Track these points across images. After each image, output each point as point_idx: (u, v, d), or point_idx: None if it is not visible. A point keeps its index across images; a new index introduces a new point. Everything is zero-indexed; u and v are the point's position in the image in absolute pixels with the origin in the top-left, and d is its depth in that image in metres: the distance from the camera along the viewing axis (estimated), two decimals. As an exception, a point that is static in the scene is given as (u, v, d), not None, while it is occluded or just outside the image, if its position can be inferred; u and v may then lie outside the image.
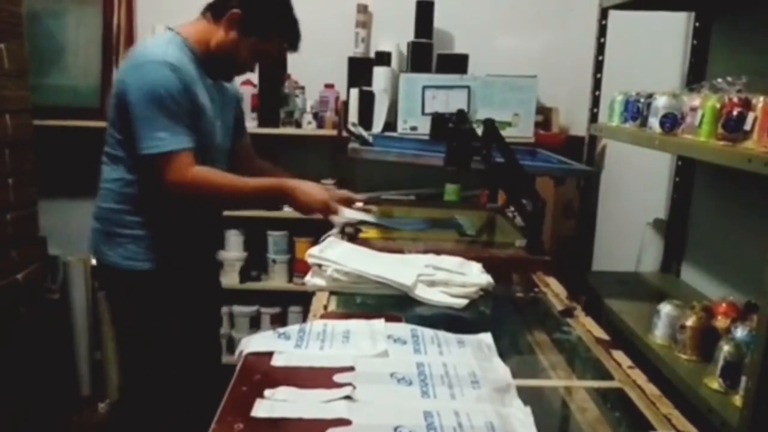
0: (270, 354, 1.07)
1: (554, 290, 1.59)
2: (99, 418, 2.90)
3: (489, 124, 1.80)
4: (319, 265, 1.49)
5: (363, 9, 3.00)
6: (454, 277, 1.49)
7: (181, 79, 1.58)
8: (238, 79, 2.04)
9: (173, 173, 1.56)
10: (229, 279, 3.05)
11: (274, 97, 2.87)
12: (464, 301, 1.42)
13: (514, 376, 1.06)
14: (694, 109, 1.41)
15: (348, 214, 1.76)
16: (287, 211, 3.00)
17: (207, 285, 1.89)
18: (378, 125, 2.82)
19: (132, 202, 1.67)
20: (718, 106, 1.31)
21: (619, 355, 1.23)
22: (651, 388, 1.09)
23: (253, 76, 2.90)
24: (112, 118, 1.65)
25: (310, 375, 1.00)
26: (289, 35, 1.72)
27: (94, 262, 1.84)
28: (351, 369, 1.01)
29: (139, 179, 1.65)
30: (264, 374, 1.00)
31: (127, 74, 1.60)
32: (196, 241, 1.79)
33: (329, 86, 2.95)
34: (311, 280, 1.50)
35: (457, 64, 2.90)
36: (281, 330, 1.15)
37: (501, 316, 1.48)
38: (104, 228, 1.71)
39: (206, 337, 1.91)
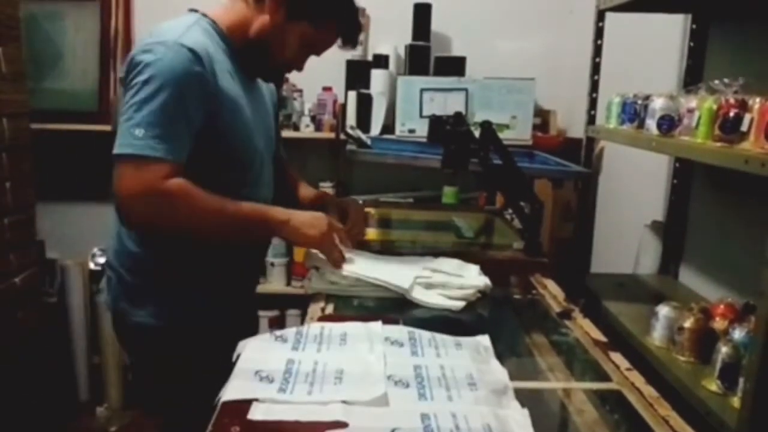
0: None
1: (552, 292, 1.59)
2: (97, 423, 2.89)
3: (486, 126, 1.80)
4: (317, 268, 1.49)
5: (361, 12, 3.00)
6: (451, 279, 1.49)
7: (200, 72, 1.24)
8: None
9: (134, 183, 1.20)
10: (228, 282, 3.05)
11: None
12: (462, 304, 1.42)
13: (512, 378, 1.06)
14: (691, 111, 1.41)
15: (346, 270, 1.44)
16: (285, 214, 3.01)
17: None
18: (376, 128, 2.83)
19: (158, 243, 1.36)
20: (714, 107, 1.31)
21: (617, 356, 1.22)
22: (649, 390, 1.09)
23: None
24: None
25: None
26: (347, 22, 1.45)
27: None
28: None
29: None
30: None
31: (129, 63, 1.27)
32: (233, 286, 1.48)
33: (327, 89, 2.95)
34: (309, 283, 1.50)
35: (454, 66, 2.90)
36: (278, 333, 1.15)
37: (499, 318, 1.48)
38: (123, 278, 1.39)
39: None
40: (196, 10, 1.38)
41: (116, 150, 1.21)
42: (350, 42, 1.48)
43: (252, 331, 1.36)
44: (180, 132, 1.24)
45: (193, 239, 1.33)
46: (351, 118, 2.82)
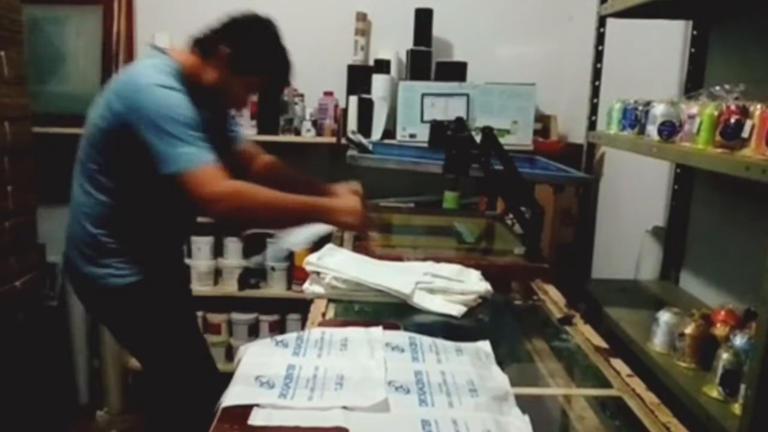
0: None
1: (553, 298, 1.59)
2: (97, 427, 2.89)
3: (487, 131, 1.80)
4: (318, 273, 1.49)
5: (362, 17, 3.01)
6: (452, 284, 1.49)
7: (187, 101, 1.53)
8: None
9: (208, 186, 1.45)
10: (228, 286, 3.05)
11: (274, 105, 2.88)
12: (463, 309, 1.42)
13: (513, 384, 1.06)
14: (692, 117, 1.41)
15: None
16: (286, 219, 3.01)
17: (184, 288, 2.00)
18: (377, 133, 2.83)
19: (112, 226, 1.65)
20: (715, 113, 1.31)
21: (618, 363, 1.22)
22: (650, 397, 1.09)
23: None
24: (97, 144, 1.62)
25: None
26: (281, 70, 1.66)
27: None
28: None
29: (121, 203, 1.63)
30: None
31: (127, 99, 1.52)
32: (172, 252, 1.86)
33: (328, 94, 2.96)
34: (310, 287, 1.50)
35: (456, 71, 2.91)
36: (279, 338, 1.15)
37: (499, 324, 1.48)
38: (82, 253, 1.69)
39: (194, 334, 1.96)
40: (159, 49, 1.66)
41: (178, 168, 1.45)
42: (286, 83, 1.73)
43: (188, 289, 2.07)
44: (205, 142, 1.50)
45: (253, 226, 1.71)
46: (352, 123, 2.82)
